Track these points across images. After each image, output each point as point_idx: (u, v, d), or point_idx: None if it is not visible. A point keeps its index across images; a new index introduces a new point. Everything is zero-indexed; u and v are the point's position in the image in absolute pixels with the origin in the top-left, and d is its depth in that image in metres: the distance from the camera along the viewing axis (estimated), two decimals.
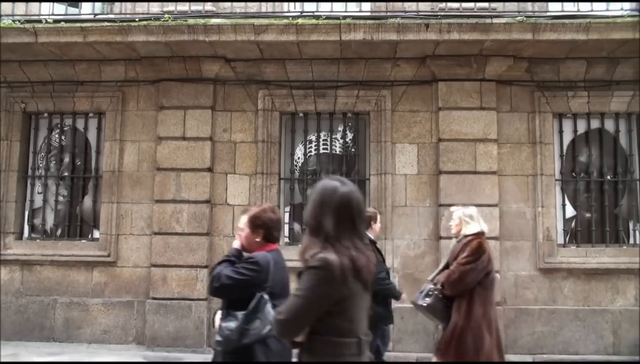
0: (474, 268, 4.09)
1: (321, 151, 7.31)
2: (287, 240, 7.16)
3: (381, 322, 4.55)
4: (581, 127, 7.14)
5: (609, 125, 7.16)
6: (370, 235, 4.77)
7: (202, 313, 6.70)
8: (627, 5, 6.84)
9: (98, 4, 7.60)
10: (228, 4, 6.92)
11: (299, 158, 7.30)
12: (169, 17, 6.42)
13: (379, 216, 5.07)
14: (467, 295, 4.09)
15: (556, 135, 7.07)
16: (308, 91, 7.09)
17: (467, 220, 4.34)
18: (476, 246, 4.17)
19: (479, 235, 4.27)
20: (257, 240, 2.94)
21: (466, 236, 4.33)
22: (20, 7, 7.21)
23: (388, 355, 6.57)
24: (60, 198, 7.42)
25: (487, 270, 4.14)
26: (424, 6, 6.82)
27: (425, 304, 4.23)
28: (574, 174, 7.08)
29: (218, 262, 3.00)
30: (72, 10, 7.72)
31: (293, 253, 7.36)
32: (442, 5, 6.76)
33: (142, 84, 7.25)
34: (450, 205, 6.66)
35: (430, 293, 4.24)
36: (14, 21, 6.54)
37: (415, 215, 6.86)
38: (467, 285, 4.08)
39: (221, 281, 2.82)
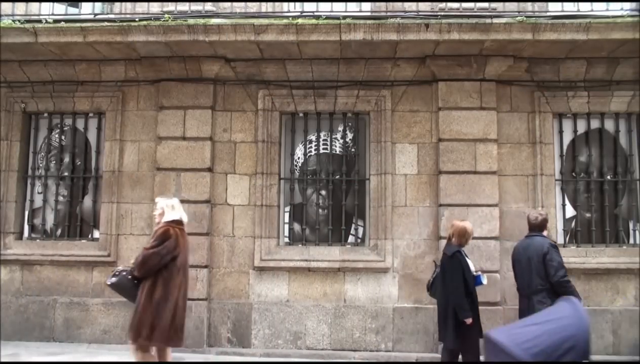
0: (157, 253, 4.48)
1: (321, 151, 7.31)
2: (287, 240, 7.16)
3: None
4: (581, 127, 7.14)
5: (609, 125, 7.16)
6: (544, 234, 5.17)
7: (202, 313, 6.70)
8: (627, 5, 6.84)
9: (98, 4, 7.60)
10: (228, 4, 6.92)
11: (299, 158, 7.30)
12: (169, 17, 6.42)
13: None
14: (153, 276, 4.49)
15: (556, 135, 7.07)
16: (308, 91, 7.10)
17: (168, 209, 4.71)
18: (161, 233, 4.58)
19: (172, 223, 4.65)
20: None
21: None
22: (20, 7, 7.21)
23: (388, 355, 6.60)
24: (60, 198, 7.42)
25: (172, 254, 4.52)
26: (424, 6, 6.83)
27: (109, 283, 4.70)
28: (574, 174, 7.08)
29: None
30: (72, 10, 7.72)
31: (293, 253, 7.40)
32: (442, 5, 6.76)
33: (142, 84, 7.25)
34: (450, 205, 6.72)
35: (116, 273, 4.70)
36: (14, 21, 6.54)
37: (415, 215, 6.86)
38: (150, 267, 4.48)
39: None
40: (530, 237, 5.23)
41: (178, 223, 4.70)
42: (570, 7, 6.84)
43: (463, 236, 5.13)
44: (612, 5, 7.01)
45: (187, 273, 4.74)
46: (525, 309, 5.03)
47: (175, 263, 4.54)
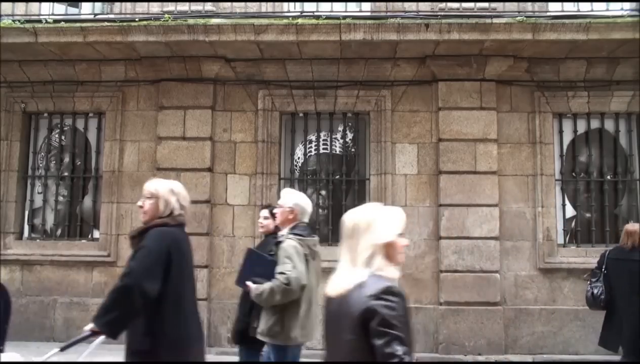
0: None
1: (321, 151, 7.31)
2: None
3: None
4: (581, 127, 7.14)
5: (609, 125, 7.16)
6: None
7: (202, 313, 6.67)
8: (627, 5, 6.84)
9: (98, 4, 7.60)
10: (228, 4, 6.92)
11: (299, 158, 7.30)
12: (169, 17, 6.42)
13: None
14: None
15: (556, 135, 7.07)
16: (308, 91, 7.10)
17: None
18: None
19: None
20: None
21: None
22: (20, 7, 7.20)
23: None
24: (60, 198, 7.42)
25: None
26: (424, 6, 6.82)
27: None
28: (574, 174, 7.08)
29: None
30: (72, 10, 7.72)
31: None
32: (442, 5, 6.76)
33: (142, 84, 7.25)
34: (450, 205, 6.72)
35: None
36: (14, 21, 6.54)
37: (415, 215, 6.85)
38: None
39: None
40: None
41: None
42: (570, 7, 6.84)
43: None
44: (612, 5, 7.00)
45: None
46: None
47: None
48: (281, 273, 3.43)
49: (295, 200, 3.76)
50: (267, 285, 3.46)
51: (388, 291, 1.81)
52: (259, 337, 3.65)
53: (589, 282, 5.23)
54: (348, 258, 1.94)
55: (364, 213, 1.96)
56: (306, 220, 3.78)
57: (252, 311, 3.86)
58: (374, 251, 1.89)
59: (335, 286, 1.94)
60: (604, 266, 5.13)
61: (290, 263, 3.45)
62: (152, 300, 2.55)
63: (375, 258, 1.89)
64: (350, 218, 1.99)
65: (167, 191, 2.84)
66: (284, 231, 3.71)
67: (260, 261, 3.71)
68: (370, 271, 1.87)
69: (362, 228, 1.92)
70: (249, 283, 3.60)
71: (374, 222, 1.92)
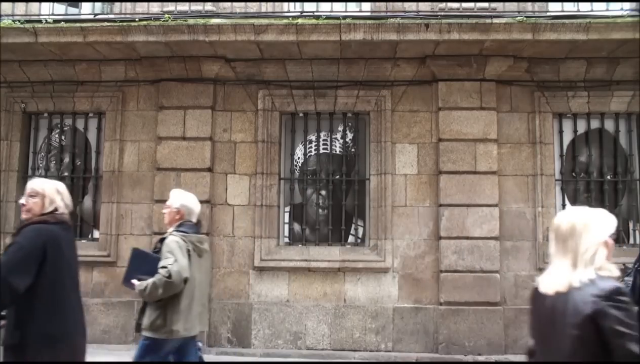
0: None
1: (321, 151, 7.31)
2: (287, 240, 7.16)
3: None
4: (581, 127, 7.14)
5: (609, 125, 7.16)
6: None
7: None
8: (627, 5, 6.84)
9: (98, 4, 7.60)
10: (228, 4, 6.92)
11: (299, 158, 7.30)
12: (169, 17, 6.42)
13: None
14: None
15: (556, 135, 7.07)
16: (308, 91, 7.10)
17: None
18: None
19: None
20: None
21: None
22: (20, 7, 7.20)
23: (388, 355, 6.60)
24: None
25: None
26: (424, 6, 6.83)
27: None
28: (574, 174, 7.08)
29: None
30: (72, 10, 7.72)
31: (293, 253, 7.39)
32: (442, 5, 6.76)
33: (142, 84, 7.25)
34: (450, 205, 6.72)
35: None
36: (14, 21, 6.54)
37: (415, 215, 6.86)
38: None
39: None
40: None
41: None
42: (570, 7, 6.84)
43: None
44: (612, 5, 7.01)
45: None
46: None
47: None
48: (163, 267, 3.56)
49: (182, 201, 3.93)
50: (150, 280, 3.57)
51: (618, 292, 1.90)
52: (143, 332, 3.72)
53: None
54: (569, 258, 2.03)
55: (579, 215, 2.08)
56: (194, 219, 3.94)
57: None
58: (597, 249, 2.00)
59: (553, 284, 2.05)
60: (638, 264, 5.17)
61: (172, 257, 3.59)
62: (19, 294, 2.62)
63: (598, 255, 2.00)
64: (565, 220, 2.09)
65: (53, 190, 2.94)
66: (170, 230, 3.84)
67: (146, 258, 3.82)
68: (593, 270, 1.97)
69: (579, 228, 2.03)
70: (133, 280, 3.70)
71: (591, 222, 2.04)
